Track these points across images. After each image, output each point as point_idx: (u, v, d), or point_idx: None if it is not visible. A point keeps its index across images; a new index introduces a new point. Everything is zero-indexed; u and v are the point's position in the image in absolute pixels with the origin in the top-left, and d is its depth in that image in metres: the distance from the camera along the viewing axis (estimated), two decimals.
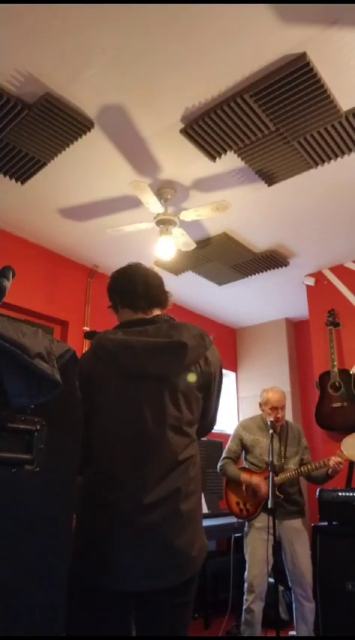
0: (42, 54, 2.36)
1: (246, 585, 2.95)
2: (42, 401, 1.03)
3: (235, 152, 2.97)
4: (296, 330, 6.03)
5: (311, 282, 4.75)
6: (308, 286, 4.80)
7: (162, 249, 3.44)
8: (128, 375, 1.44)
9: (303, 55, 2.33)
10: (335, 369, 4.20)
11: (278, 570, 2.91)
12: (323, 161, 3.05)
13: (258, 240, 4.17)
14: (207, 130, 2.77)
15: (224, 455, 3.27)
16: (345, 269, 4.58)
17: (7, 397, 0.98)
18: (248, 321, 6.10)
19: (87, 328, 4.44)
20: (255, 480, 3.06)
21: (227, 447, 3.30)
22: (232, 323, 6.21)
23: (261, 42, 2.29)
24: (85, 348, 4.35)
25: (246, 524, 3.11)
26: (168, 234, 3.44)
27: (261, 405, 3.28)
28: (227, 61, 2.40)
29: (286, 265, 4.54)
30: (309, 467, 3.02)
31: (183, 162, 3.13)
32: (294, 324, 6.05)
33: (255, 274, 4.71)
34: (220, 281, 4.87)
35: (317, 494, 3.43)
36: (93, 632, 1.34)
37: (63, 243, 4.21)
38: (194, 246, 3.82)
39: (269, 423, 3.03)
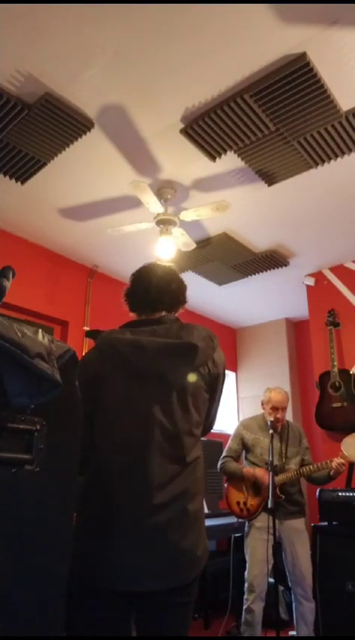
0: (42, 54, 2.36)
1: (246, 585, 2.95)
2: (42, 401, 1.03)
3: (235, 152, 2.97)
4: (296, 330, 6.03)
5: (311, 282, 4.75)
6: (308, 286, 4.80)
7: (162, 249, 3.44)
8: (137, 375, 1.43)
9: (303, 55, 2.33)
10: (335, 369, 4.20)
11: (278, 570, 2.91)
12: (323, 161, 3.05)
13: (258, 240, 4.17)
14: (207, 130, 2.77)
15: (224, 454, 3.27)
16: (345, 269, 4.58)
17: (7, 397, 0.98)
18: (248, 321, 6.10)
19: (87, 328, 4.44)
20: (259, 472, 3.05)
21: (227, 446, 3.30)
22: (232, 323, 6.21)
23: (261, 42, 2.29)
24: (85, 348, 4.36)
25: (246, 524, 3.11)
26: (168, 234, 3.44)
27: (262, 403, 3.28)
28: (227, 61, 2.40)
29: (286, 265, 4.54)
30: (311, 468, 3.02)
31: (183, 162, 3.13)
32: (294, 324, 6.05)
33: (255, 274, 4.71)
34: (220, 281, 4.87)
35: (317, 494, 3.43)
36: (94, 632, 1.34)
37: (63, 243, 4.21)
38: (194, 246, 3.82)
39: (269, 422, 3.03)
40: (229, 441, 3.32)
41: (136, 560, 1.32)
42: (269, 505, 2.59)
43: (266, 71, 2.44)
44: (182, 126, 2.81)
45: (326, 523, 3.35)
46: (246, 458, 3.27)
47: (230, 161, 3.10)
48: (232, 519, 3.63)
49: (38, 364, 1.00)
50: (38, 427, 1.05)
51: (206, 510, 4.11)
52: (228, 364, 6.05)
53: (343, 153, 2.97)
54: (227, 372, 5.89)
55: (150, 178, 3.30)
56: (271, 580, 3.01)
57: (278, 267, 4.58)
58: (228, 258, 4.39)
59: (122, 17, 2.17)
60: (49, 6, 2.11)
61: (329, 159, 3.03)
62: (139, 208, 3.56)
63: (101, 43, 2.31)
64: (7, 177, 3.19)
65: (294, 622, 2.98)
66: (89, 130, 2.81)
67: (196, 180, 3.32)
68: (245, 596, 2.93)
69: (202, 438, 1.57)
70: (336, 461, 2.96)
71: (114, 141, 2.96)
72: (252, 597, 2.88)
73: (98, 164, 3.16)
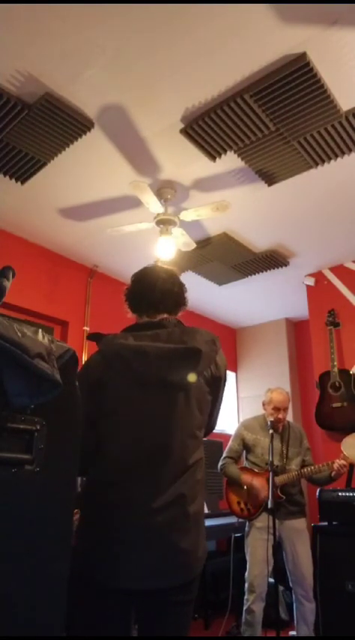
0: (42, 54, 2.36)
1: (246, 585, 2.95)
2: (42, 401, 1.03)
3: (235, 152, 2.97)
4: (296, 330, 6.03)
5: (311, 282, 4.75)
6: (308, 286, 4.80)
7: (162, 249, 3.44)
8: (142, 381, 1.44)
9: (303, 55, 2.33)
10: (335, 369, 4.20)
11: (279, 570, 2.91)
12: (323, 161, 3.05)
13: (258, 240, 4.17)
14: (207, 130, 2.77)
15: (225, 454, 3.27)
16: (345, 269, 4.58)
17: (7, 397, 0.98)
18: (248, 321, 6.10)
19: (87, 328, 4.45)
20: (256, 483, 3.05)
21: (228, 446, 3.29)
22: (232, 323, 6.21)
23: (261, 42, 2.29)
24: (85, 348, 4.36)
25: (247, 524, 3.10)
26: (168, 234, 3.44)
27: (263, 404, 3.28)
28: (227, 61, 2.40)
29: (286, 265, 4.54)
30: (312, 469, 3.02)
31: (183, 162, 3.13)
32: (294, 324, 6.05)
33: (255, 274, 4.71)
34: (220, 281, 4.87)
35: (317, 494, 3.43)
36: (94, 630, 1.34)
37: (63, 243, 4.21)
38: (194, 246, 3.82)
39: (269, 423, 3.03)
40: (230, 441, 3.31)
41: (137, 559, 1.32)
42: (270, 505, 2.59)
43: (267, 71, 2.44)
44: (182, 126, 2.81)
45: (326, 523, 3.35)
46: (246, 458, 3.27)
47: (230, 161, 3.10)
48: (232, 519, 3.63)
49: (38, 364, 1.00)
50: (38, 427, 1.05)
51: (206, 510, 4.11)
52: (228, 364, 6.04)
53: (343, 153, 2.97)
54: (227, 372, 5.90)
55: (150, 178, 3.30)
56: (271, 580, 3.01)
57: (278, 267, 4.57)
58: (228, 258, 4.39)
59: (122, 17, 2.17)
60: (49, 6, 2.11)
61: (329, 159, 3.03)
62: (139, 208, 3.56)
63: (101, 43, 2.31)
64: (7, 177, 3.19)
65: (295, 622, 2.98)
66: (89, 130, 2.81)
67: (196, 180, 3.32)
68: (245, 597, 2.93)
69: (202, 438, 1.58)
70: (338, 462, 2.95)
71: (114, 141, 2.96)
72: (253, 597, 2.88)
73: (98, 164, 3.16)
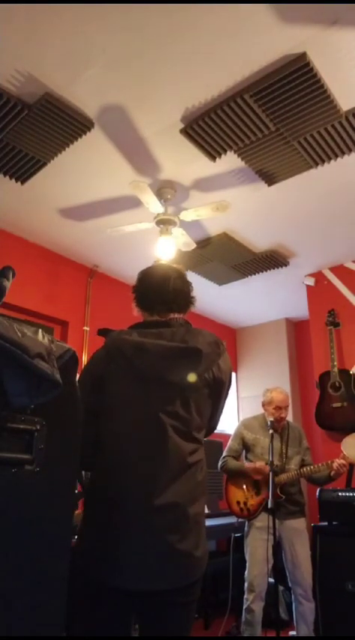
0: (42, 54, 2.36)
1: (246, 585, 2.95)
2: (42, 401, 1.03)
3: (235, 152, 2.97)
4: (296, 330, 6.03)
5: (311, 282, 4.75)
6: (308, 286, 4.80)
7: (162, 249, 3.44)
8: (141, 377, 1.44)
9: (303, 55, 2.33)
10: (335, 369, 4.20)
11: (278, 570, 2.91)
12: (323, 161, 3.05)
13: (258, 240, 4.17)
14: (207, 130, 2.77)
15: (225, 453, 3.27)
16: (345, 269, 4.58)
17: (7, 397, 0.98)
18: (248, 321, 6.10)
19: (87, 328, 4.45)
20: (260, 464, 3.04)
21: (228, 445, 3.30)
22: (232, 323, 6.21)
23: (261, 42, 2.29)
24: (85, 348, 4.36)
25: (246, 523, 3.11)
26: (168, 234, 3.44)
27: (263, 404, 3.28)
28: (227, 61, 2.40)
29: (286, 265, 4.54)
30: (311, 468, 3.02)
31: (183, 162, 3.13)
32: (294, 324, 6.05)
33: (255, 274, 4.71)
34: (220, 281, 4.87)
35: (317, 494, 3.43)
36: (94, 630, 1.34)
37: (63, 243, 4.21)
38: (194, 246, 3.82)
39: (269, 422, 3.03)
40: (230, 441, 3.32)
41: (136, 560, 1.32)
42: (270, 505, 2.60)
43: (266, 71, 2.44)
44: (182, 126, 2.81)
45: (326, 523, 3.35)
46: (246, 457, 3.27)
47: (230, 161, 3.10)
48: (232, 519, 3.63)
49: (38, 364, 1.00)
50: (38, 427, 1.05)
51: (206, 510, 4.10)
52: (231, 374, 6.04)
53: (343, 153, 2.97)
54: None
55: (150, 178, 3.30)
56: (271, 580, 3.01)
57: (278, 267, 4.57)
58: (228, 258, 4.39)
59: (122, 17, 2.17)
60: (49, 6, 2.11)
61: (329, 159, 3.03)
62: (139, 208, 3.56)
63: (101, 43, 2.31)
64: (7, 177, 3.19)
65: (294, 622, 2.98)
66: (89, 129, 2.81)
67: (196, 180, 3.32)
68: (245, 596, 2.93)
69: None
70: (337, 462, 2.95)
71: (114, 141, 2.96)
72: (252, 597, 2.88)
73: (98, 164, 3.16)
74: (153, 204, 3.29)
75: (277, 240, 4.18)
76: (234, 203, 3.52)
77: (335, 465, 2.95)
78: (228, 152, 2.96)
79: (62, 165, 3.13)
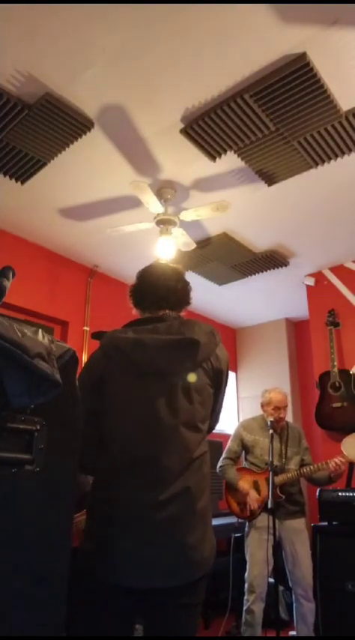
0: (42, 54, 2.36)
1: (246, 585, 2.95)
2: (42, 401, 1.03)
3: (235, 152, 2.97)
4: (296, 330, 6.03)
5: (311, 282, 4.74)
6: (308, 286, 4.80)
7: (162, 249, 3.44)
8: (141, 373, 1.44)
9: (303, 55, 2.33)
10: (335, 369, 4.20)
11: (278, 570, 2.91)
12: (323, 161, 3.05)
13: (258, 240, 4.17)
14: (207, 130, 2.77)
15: (224, 455, 3.27)
16: (345, 269, 4.58)
17: (7, 397, 0.98)
18: (248, 321, 6.10)
19: (87, 328, 4.44)
20: (252, 494, 3.03)
21: (227, 446, 3.29)
22: (232, 323, 6.21)
23: (261, 42, 2.29)
24: (85, 348, 4.36)
25: (247, 524, 3.11)
26: (168, 234, 3.44)
27: (262, 405, 3.28)
28: (227, 61, 2.40)
29: (286, 265, 4.54)
30: (311, 468, 3.02)
31: (183, 162, 3.13)
32: (294, 324, 6.05)
33: (255, 274, 4.71)
34: (220, 281, 4.87)
35: (317, 494, 3.43)
36: (95, 627, 1.34)
37: (63, 243, 4.21)
38: (194, 246, 3.82)
39: (269, 423, 3.03)
40: (229, 442, 3.31)
41: (141, 557, 1.31)
42: (269, 505, 2.59)
43: (267, 71, 2.44)
44: (182, 126, 2.81)
45: (326, 523, 3.35)
46: (245, 459, 3.27)
47: (230, 161, 3.10)
48: (232, 519, 3.63)
49: (38, 364, 1.00)
50: (38, 427, 1.05)
51: None
52: (229, 364, 6.04)
53: (343, 153, 2.97)
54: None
55: (150, 178, 3.30)
56: (271, 580, 3.01)
57: (278, 267, 4.57)
58: (228, 258, 4.39)
59: (122, 17, 2.17)
60: (49, 6, 2.11)
61: (329, 159, 3.03)
62: (139, 208, 3.56)
63: (101, 43, 2.31)
64: (7, 177, 3.19)
65: (294, 622, 2.98)
66: (89, 129, 2.80)
67: (196, 180, 3.32)
68: (245, 597, 2.93)
69: None
70: (334, 460, 2.94)
71: (114, 141, 2.96)
72: (253, 598, 2.88)
73: (98, 164, 3.16)
74: (153, 204, 3.29)
75: (277, 240, 4.18)
76: (234, 203, 3.52)
77: (331, 465, 2.94)
78: (228, 152, 2.96)
79: (62, 165, 3.13)
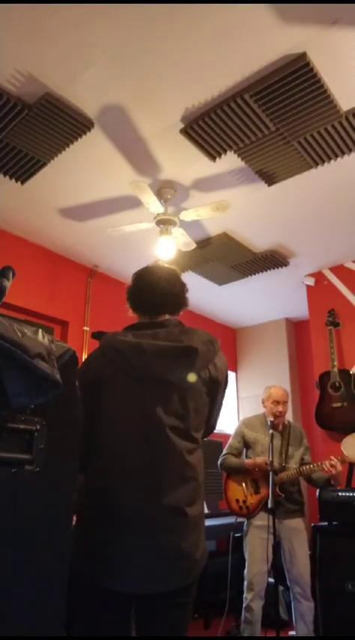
0: (42, 54, 2.36)
1: (245, 583, 2.95)
2: (42, 401, 1.03)
3: (235, 152, 2.97)
4: (296, 330, 6.03)
5: (311, 282, 4.74)
6: (308, 286, 4.80)
7: (162, 249, 3.44)
8: (138, 377, 1.44)
9: (303, 55, 2.33)
10: (335, 369, 4.20)
11: (278, 570, 2.91)
12: (323, 161, 3.05)
13: (258, 240, 4.17)
14: (207, 130, 2.77)
15: (225, 451, 3.28)
16: (345, 269, 4.58)
17: (7, 397, 0.98)
18: (248, 321, 6.10)
19: (87, 328, 4.45)
20: (259, 459, 3.04)
21: (228, 443, 3.30)
22: (232, 323, 6.21)
23: (261, 42, 2.29)
24: (85, 348, 4.35)
25: (246, 522, 3.11)
26: (168, 234, 3.44)
27: (263, 401, 3.29)
28: (227, 61, 2.40)
29: (286, 265, 4.54)
30: (310, 467, 3.03)
31: (183, 162, 3.13)
32: (294, 324, 6.05)
33: (255, 274, 4.71)
34: (220, 281, 4.87)
35: (317, 494, 3.43)
36: (94, 632, 1.34)
37: (63, 243, 4.21)
38: (194, 246, 3.82)
39: (269, 422, 3.03)
40: (230, 439, 3.32)
41: (137, 562, 1.32)
42: (269, 505, 2.60)
43: (267, 71, 2.44)
44: (182, 126, 2.81)
45: (326, 523, 3.34)
46: (246, 456, 3.27)
47: (230, 161, 3.10)
48: (232, 519, 3.63)
49: (38, 364, 1.00)
50: (38, 427, 1.05)
51: (206, 510, 4.11)
52: (228, 364, 6.04)
53: (343, 153, 2.97)
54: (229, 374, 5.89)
55: (150, 178, 3.30)
56: (271, 580, 3.02)
57: (278, 267, 4.57)
58: (228, 258, 4.39)
59: (122, 17, 2.17)
60: (48, 6, 2.11)
61: (329, 159, 3.03)
62: (139, 208, 3.56)
63: (101, 43, 2.31)
64: (7, 177, 3.19)
65: (293, 621, 2.98)
66: (89, 129, 2.81)
67: (196, 180, 3.32)
68: (244, 595, 2.93)
69: None
70: (327, 463, 2.93)
71: (114, 141, 2.96)
72: (251, 595, 2.89)
73: (98, 164, 3.16)
74: (153, 204, 3.29)
75: (277, 240, 4.18)
76: (234, 203, 3.52)
77: (325, 466, 2.93)
78: (228, 152, 2.96)
79: (62, 165, 3.13)
